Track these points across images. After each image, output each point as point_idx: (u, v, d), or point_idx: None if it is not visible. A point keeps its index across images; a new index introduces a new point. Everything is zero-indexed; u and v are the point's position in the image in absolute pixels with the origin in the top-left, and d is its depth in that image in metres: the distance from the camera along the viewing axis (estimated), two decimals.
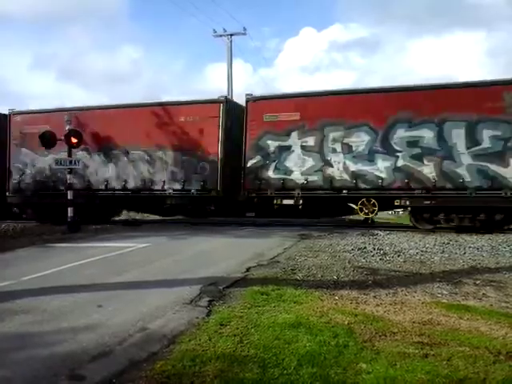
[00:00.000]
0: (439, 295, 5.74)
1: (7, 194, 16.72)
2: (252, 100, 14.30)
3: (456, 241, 10.49)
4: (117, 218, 18.19)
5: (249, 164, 14.20)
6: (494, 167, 12.07)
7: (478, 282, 6.45)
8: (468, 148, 12.25)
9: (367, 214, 13.49)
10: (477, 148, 12.17)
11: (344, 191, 13.44)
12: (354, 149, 13.24)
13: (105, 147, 15.55)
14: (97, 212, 16.04)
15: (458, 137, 12.31)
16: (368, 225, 13.96)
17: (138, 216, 19.13)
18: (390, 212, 16.31)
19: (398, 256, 8.54)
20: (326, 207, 14.55)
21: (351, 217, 16.14)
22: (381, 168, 13.01)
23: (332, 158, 13.45)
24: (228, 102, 14.90)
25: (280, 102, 14.31)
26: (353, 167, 13.27)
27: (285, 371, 3.40)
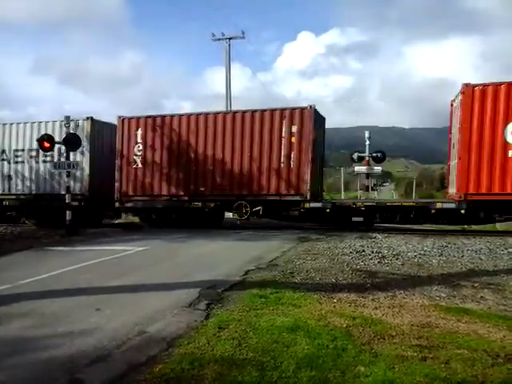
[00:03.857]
0: (437, 298, 5.75)
1: None
2: None
3: (454, 244, 10.51)
4: (116, 221, 18.16)
5: None
6: None
7: (476, 284, 6.46)
8: None
9: None
10: None
11: None
12: None
13: None
14: None
15: None
16: (367, 228, 13.97)
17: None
18: None
19: (397, 259, 8.55)
20: None
21: None
22: None
23: None
24: None
25: None
26: None
27: (283, 374, 3.41)
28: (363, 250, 9.43)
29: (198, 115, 14.77)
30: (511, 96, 12.00)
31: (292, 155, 13.76)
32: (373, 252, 9.22)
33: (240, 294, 5.83)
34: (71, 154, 14.50)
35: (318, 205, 13.70)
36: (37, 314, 5.03)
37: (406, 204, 13.93)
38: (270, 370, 3.47)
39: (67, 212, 13.40)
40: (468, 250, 9.63)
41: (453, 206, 12.75)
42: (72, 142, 13.75)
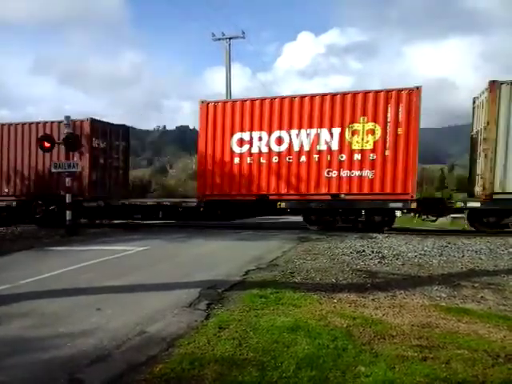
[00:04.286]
0: (438, 298, 5.75)
1: None
2: None
3: (454, 244, 10.51)
4: (116, 222, 18.15)
5: None
6: None
7: (476, 284, 6.45)
8: None
9: None
10: None
11: None
12: None
13: None
14: None
15: None
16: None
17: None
18: None
19: (397, 259, 8.54)
20: None
21: None
22: None
23: None
24: None
25: None
26: None
27: (284, 374, 3.40)
28: (363, 250, 9.43)
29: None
30: (235, 112, 14.10)
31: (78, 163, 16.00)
32: (373, 252, 9.22)
33: (240, 294, 5.83)
34: None
35: (94, 204, 15.97)
36: (37, 314, 5.03)
37: (164, 203, 16.16)
38: (271, 370, 3.47)
39: (67, 212, 13.40)
40: (468, 250, 9.63)
41: (194, 204, 14.95)
42: (72, 141, 13.95)
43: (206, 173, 14.42)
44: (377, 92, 12.83)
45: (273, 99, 13.75)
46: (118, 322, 4.69)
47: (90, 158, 16.05)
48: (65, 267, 7.81)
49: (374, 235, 12.16)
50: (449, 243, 10.59)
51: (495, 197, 12.09)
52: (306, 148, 13.41)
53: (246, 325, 4.54)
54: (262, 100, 13.84)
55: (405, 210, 13.56)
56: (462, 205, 12.87)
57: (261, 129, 13.80)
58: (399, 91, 12.64)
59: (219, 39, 27.13)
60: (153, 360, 3.69)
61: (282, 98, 13.66)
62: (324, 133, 13.26)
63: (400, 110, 12.60)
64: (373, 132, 12.81)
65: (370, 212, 13.22)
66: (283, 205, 13.68)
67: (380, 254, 8.97)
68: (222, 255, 9.37)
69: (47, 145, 13.83)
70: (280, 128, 13.62)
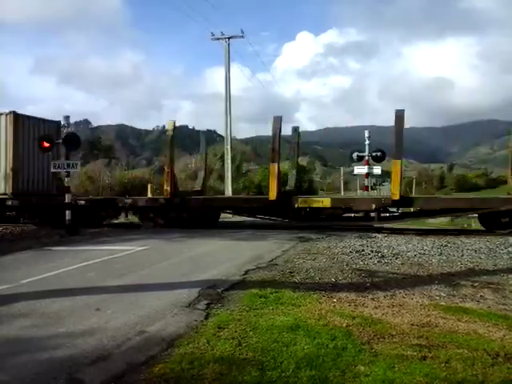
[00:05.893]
0: (437, 297, 5.76)
1: None
2: None
3: (454, 243, 10.51)
4: (116, 221, 18.15)
5: None
6: None
7: (475, 284, 6.46)
8: None
9: None
10: None
11: None
12: None
13: None
14: None
15: None
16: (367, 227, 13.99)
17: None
18: None
19: (396, 258, 8.55)
20: None
21: None
22: None
23: None
24: None
25: None
26: None
27: (283, 374, 3.41)
28: (363, 250, 9.43)
29: None
30: None
31: None
32: (372, 251, 9.22)
33: (240, 293, 5.83)
34: None
35: None
36: (37, 314, 5.03)
37: None
38: (270, 370, 3.47)
39: (67, 212, 13.39)
40: (468, 249, 9.64)
41: None
42: (72, 141, 13.82)
43: None
44: None
45: None
46: (118, 321, 4.70)
47: None
48: (64, 267, 7.81)
49: (374, 234, 12.14)
50: (448, 242, 10.60)
51: None
52: None
53: (245, 324, 4.54)
54: None
55: None
56: None
57: None
58: None
59: (218, 39, 27.17)
60: (152, 360, 3.70)
61: None
62: None
63: None
64: None
65: None
66: None
67: (379, 254, 8.98)
68: (222, 255, 9.37)
69: (46, 145, 13.71)
70: None
